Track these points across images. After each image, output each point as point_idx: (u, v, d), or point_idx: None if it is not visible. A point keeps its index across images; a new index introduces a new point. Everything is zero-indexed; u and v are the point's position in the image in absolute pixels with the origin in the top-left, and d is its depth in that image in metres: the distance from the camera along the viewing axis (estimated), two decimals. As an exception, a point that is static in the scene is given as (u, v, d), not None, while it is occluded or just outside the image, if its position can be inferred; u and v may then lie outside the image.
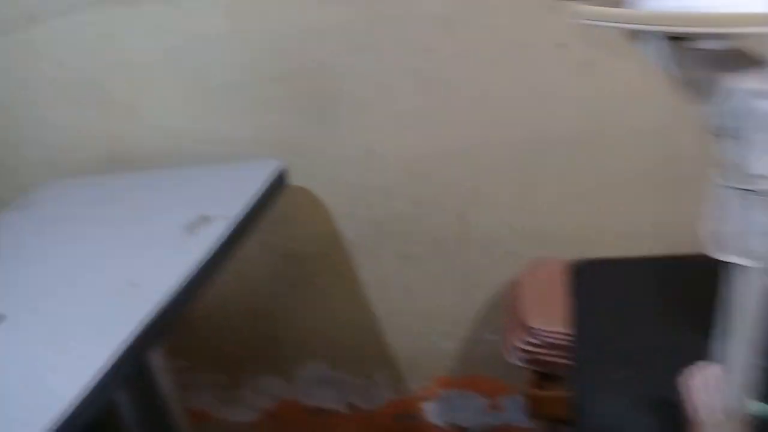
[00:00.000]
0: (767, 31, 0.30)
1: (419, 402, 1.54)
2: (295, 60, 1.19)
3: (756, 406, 0.64)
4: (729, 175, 0.33)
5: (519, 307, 1.16)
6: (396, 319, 1.46)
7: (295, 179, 1.27)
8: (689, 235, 0.72)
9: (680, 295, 0.80)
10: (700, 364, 0.63)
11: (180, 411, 1.07)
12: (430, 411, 1.55)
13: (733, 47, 0.35)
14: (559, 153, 1.17)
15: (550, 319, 1.00)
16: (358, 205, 1.33)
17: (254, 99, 1.24)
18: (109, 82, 1.28)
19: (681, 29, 0.35)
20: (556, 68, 1.10)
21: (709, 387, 0.61)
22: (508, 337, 1.16)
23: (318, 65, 1.19)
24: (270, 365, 1.57)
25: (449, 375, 1.49)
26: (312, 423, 1.62)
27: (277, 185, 1.22)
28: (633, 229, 1.14)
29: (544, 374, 1.05)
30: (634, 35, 0.42)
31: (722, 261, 0.49)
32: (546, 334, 1.03)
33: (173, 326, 0.96)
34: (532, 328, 1.09)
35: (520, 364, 1.15)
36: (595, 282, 0.88)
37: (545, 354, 1.05)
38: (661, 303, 0.79)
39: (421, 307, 1.43)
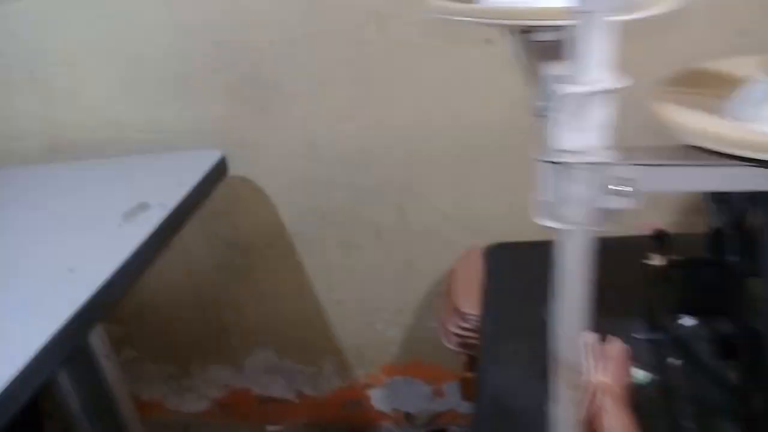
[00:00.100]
0: (568, 23, 0.35)
1: (366, 389, 1.59)
2: (234, 51, 1.22)
3: (639, 374, 0.71)
4: (545, 151, 0.38)
5: (452, 294, 1.21)
6: (341, 308, 1.50)
7: (237, 169, 1.31)
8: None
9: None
10: (582, 333, 0.69)
11: (125, 398, 1.10)
12: (377, 398, 1.60)
13: (558, 38, 0.40)
14: (491, 144, 1.23)
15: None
16: (300, 195, 1.37)
17: (195, 89, 1.27)
18: (50, 72, 1.30)
19: (511, 22, 0.40)
20: (485, 62, 1.15)
21: (586, 355, 0.66)
22: (444, 323, 1.22)
23: (257, 56, 1.22)
24: (219, 355, 1.61)
25: (394, 362, 1.54)
26: (262, 411, 1.66)
27: (218, 175, 1.26)
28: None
29: (477, 357, 1.10)
30: (500, 30, 0.47)
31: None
32: (476, 318, 1.09)
33: (110, 310, 0.99)
34: (463, 312, 1.15)
35: (455, 348, 1.21)
36: (505, 264, 0.93)
37: (476, 338, 1.10)
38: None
39: (365, 296, 1.47)
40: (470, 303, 1.11)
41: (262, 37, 1.20)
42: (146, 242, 1.02)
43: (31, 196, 1.22)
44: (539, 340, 0.68)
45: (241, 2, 1.17)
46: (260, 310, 1.52)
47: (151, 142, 1.32)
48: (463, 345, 1.18)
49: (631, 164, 0.36)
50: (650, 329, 0.74)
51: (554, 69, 0.36)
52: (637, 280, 0.76)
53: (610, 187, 0.37)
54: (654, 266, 0.71)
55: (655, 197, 0.68)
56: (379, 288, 1.45)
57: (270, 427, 1.66)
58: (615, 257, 0.85)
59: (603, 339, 0.67)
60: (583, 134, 0.36)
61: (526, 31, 0.42)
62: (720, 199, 0.62)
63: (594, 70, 0.34)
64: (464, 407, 1.50)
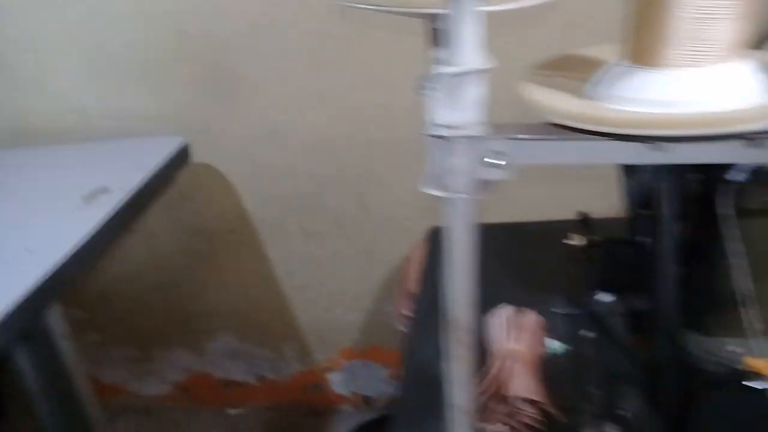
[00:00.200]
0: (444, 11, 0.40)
1: (325, 373, 1.64)
2: (197, 39, 1.26)
3: (555, 345, 0.76)
4: (428, 125, 0.43)
5: (406, 278, 1.26)
6: (301, 294, 1.55)
7: (200, 156, 1.35)
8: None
9: (514, 256, 0.92)
10: (501, 306, 0.75)
11: (83, 379, 1.13)
12: (336, 381, 1.65)
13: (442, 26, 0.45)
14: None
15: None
16: (262, 182, 1.41)
17: (159, 77, 1.31)
18: (14, 59, 1.33)
19: (407, 10, 0.45)
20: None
21: (500, 325, 0.72)
22: (398, 307, 1.27)
23: (220, 45, 1.27)
24: (181, 339, 1.65)
25: (353, 347, 1.59)
26: (223, 395, 1.70)
27: (180, 161, 1.30)
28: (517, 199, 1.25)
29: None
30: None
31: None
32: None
33: (67, 290, 1.03)
34: (414, 296, 1.20)
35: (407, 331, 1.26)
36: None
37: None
38: (496, 262, 0.91)
39: (325, 282, 1.52)
40: (421, 286, 1.16)
41: (225, 26, 1.24)
42: (104, 225, 1.05)
43: (-8, 180, 1.25)
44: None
45: (203, -9, 1.22)
46: (222, 296, 1.56)
47: (114, 129, 1.36)
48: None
49: (502, 138, 0.41)
50: (569, 304, 0.79)
51: (436, 53, 0.41)
52: (560, 260, 0.82)
53: (485, 159, 0.42)
54: (574, 246, 0.77)
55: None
56: (339, 274, 1.50)
57: (231, 411, 1.70)
58: (541, 239, 0.91)
59: (520, 312, 0.73)
60: (459, 111, 0.41)
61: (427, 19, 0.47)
62: (633, 182, 0.68)
63: (466, 53, 0.39)
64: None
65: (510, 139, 0.41)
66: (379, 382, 1.60)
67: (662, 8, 0.35)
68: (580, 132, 0.40)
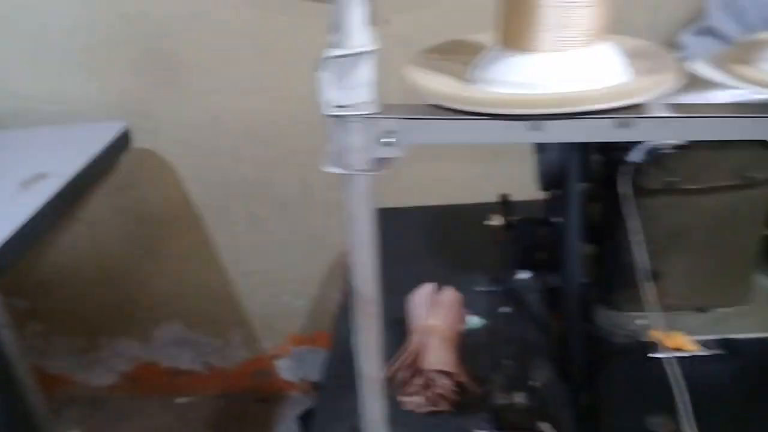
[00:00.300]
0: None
1: (273, 360, 1.67)
2: (138, 23, 1.27)
3: (473, 320, 0.80)
4: (324, 106, 0.46)
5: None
6: (248, 280, 1.57)
7: (143, 142, 1.36)
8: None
9: (440, 237, 0.96)
10: (425, 285, 0.78)
11: (27, 370, 1.14)
12: (284, 368, 1.68)
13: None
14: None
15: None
16: (205, 168, 1.43)
17: (99, 62, 1.32)
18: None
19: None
20: (385, 40, 1.22)
21: (420, 302, 0.76)
22: (343, 293, 1.30)
23: (161, 30, 1.28)
24: (127, 328, 1.66)
25: (300, 333, 1.62)
26: (170, 384, 1.71)
27: (121, 146, 1.31)
28: (452, 181, 1.30)
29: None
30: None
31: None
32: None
33: (4, 278, 1.03)
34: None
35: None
36: (382, 227, 1.02)
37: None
38: (423, 244, 0.95)
39: (271, 268, 1.55)
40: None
41: (165, 10, 1.25)
42: (41, 211, 1.06)
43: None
44: (395, 294, 0.77)
45: (142, -24, 1.23)
46: (167, 283, 1.57)
47: (55, 114, 1.36)
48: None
49: (391, 118, 0.44)
50: (489, 282, 0.84)
51: (328, 36, 0.44)
52: (483, 240, 0.86)
53: (379, 138, 0.45)
54: (494, 226, 0.81)
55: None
56: (285, 260, 1.53)
57: (179, 400, 1.72)
58: (465, 221, 0.95)
59: (440, 289, 0.77)
60: (350, 91, 0.44)
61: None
62: (543, 163, 0.72)
63: (353, 36, 0.42)
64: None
65: (399, 118, 0.45)
66: (326, 368, 1.64)
67: (527, -4, 0.39)
68: (463, 113, 0.43)
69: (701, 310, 0.75)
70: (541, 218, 0.79)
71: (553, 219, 0.76)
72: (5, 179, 1.15)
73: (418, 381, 0.72)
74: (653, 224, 0.69)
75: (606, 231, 0.73)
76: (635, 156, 0.64)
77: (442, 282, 0.79)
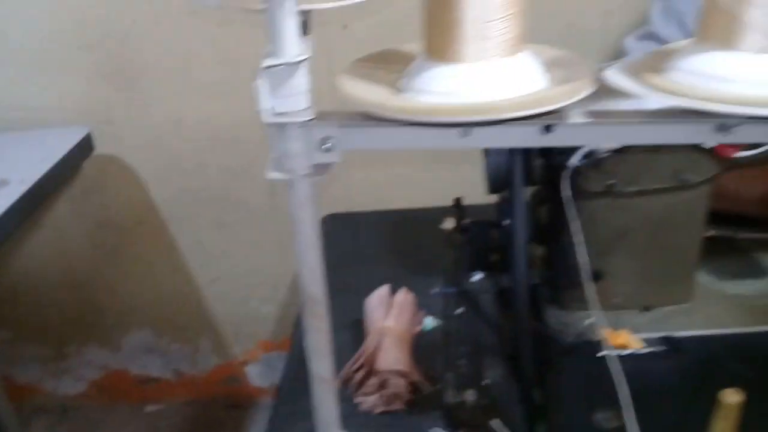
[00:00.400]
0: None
1: (243, 366, 1.68)
2: (98, 30, 1.29)
3: (428, 322, 0.83)
4: (263, 113, 0.48)
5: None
6: (216, 286, 1.59)
7: (106, 148, 1.37)
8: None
9: (397, 240, 0.99)
10: (381, 288, 0.81)
11: None
12: (254, 374, 1.69)
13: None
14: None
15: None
16: (171, 174, 1.44)
17: (60, 67, 1.33)
18: None
19: (241, 6, 0.50)
20: (342, 45, 1.25)
21: (376, 305, 0.78)
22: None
23: (122, 35, 1.29)
24: (95, 335, 1.66)
25: (270, 338, 1.64)
26: (140, 391, 1.72)
27: (83, 151, 1.33)
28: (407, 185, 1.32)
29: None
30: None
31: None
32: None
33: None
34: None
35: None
36: (337, 232, 1.05)
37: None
38: (380, 247, 0.98)
39: (240, 274, 1.56)
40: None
41: (125, 15, 1.27)
42: (4, 217, 1.07)
43: None
44: (356, 297, 0.80)
45: (103, -20, 1.24)
46: (135, 290, 1.58)
47: (16, 121, 1.37)
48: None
49: (326, 125, 0.47)
50: (443, 284, 0.86)
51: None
52: (437, 243, 0.89)
53: (317, 144, 0.48)
54: (447, 229, 0.84)
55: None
56: (253, 266, 1.55)
57: (149, 407, 1.73)
58: (421, 224, 0.98)
59: (395, 292, 0.80)
60: (285, 99, 0.46)
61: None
62: (490, 167, 0.75)
63: (286, 46, 0.45)
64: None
65: (333, 126, 0.47)
66: (295, 373, 1.65)
67: (450, 11, 0.42)
68: (396, 120, 0.46)
69: (646, 308, 0.78)
70: (493, 221, 0.82)
71: (504, 222, 0.79)
72: (-34, 186, 1.15)
73: (374, 381, 0.74)
74: (596, 226, 0.72)
75: (553, 233, 0.76)
76: (575, 160, 0.67)
77: (397, 284, 0.82)
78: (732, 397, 0.56)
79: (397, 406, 0.74)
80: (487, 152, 0.73)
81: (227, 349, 1.67)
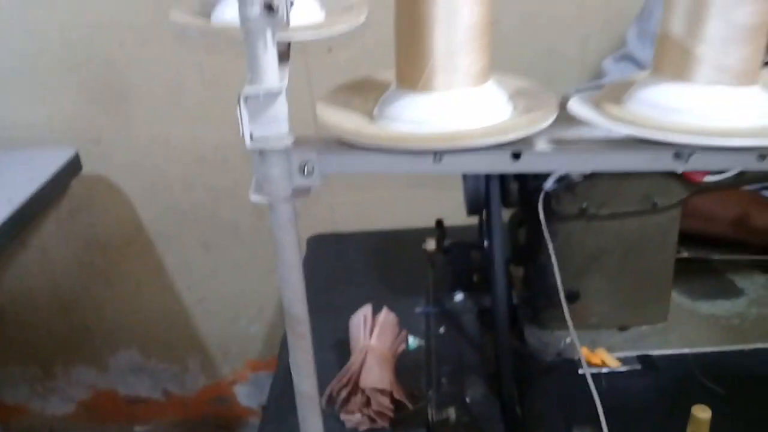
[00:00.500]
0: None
1: (231, 386, 1.70)
2: (85, 51, 1.32)
3: (411, 341, 0.85)
4: (245, 139, 0.51)
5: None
6: (204, 306, 1.61)
7: (93, 168, 1.40)
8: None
9: (380, 261, 1.02)
10: (364, 307, 0.83)
11: None
12: (242, 394, 1.71)
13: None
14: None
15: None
16: (158, 193, 1.47)
17: (48, 87, 1.35)
18: None
19: (225, 36, 0.53)
20: (327, 68, 1.28)
21: (359, 324, 0.81)
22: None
23: (108, 57, 1.32)
24: (83, 355, 1.68)
25: (258, 358, 1.66)
26: (128, 412, 1.73)
27: (71, 171, 1.35)
28: (399, 208, 1.35)
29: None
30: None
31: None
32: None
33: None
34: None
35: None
36: (322, 252, 1.07)
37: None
38: (364, 268, 1.00)
39: (228, 293, 1.58)
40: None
41: (112, 38, 1.30)
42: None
43: None
44: (340, 316, 0.82)
45: (90, 4, 1.27)
46: (122, 310, 1.60)
47: (4, 140, 1.39)
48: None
49: (304, 151, 0.49)
50: (426, 304, 0.89)
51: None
52: (420, 263, 0.92)
53: (296, 168, 0.51)
54: (428, 251, 0.86)
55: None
56: (240, 285, 1.57)
57: (138, 428, 1.74)
58: (403, 245, 1.01)
59: (379, 310, 0.82)
60: (267, 126, 0.49)
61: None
62: (469, 189, 0.78)
63: (264, 74, 0.47)
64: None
65: (312, 151, 0.50)
66: (283, 393, 1.67)
67: (419, 43, 0.45)
68: (367, 148, 0.49)
69: (622, 328, 0.81)
70: (474, 242, 0.85)
71: (485, 243, 0.82)
72: (-46, 206, 1.17)
73: (358, 399, 0.76)
74: (572, 247, 0.75)
75: (531, 254, 0.79)
76: (549, 184, 0.70)
77: (380, 304, 0.84)
78: (701, 413, 0.58)
79: (381, 423, 0.76)
80: (465, 176, 0.75)
81: (215, 368, 1.68)
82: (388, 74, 0.53)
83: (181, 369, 1.69)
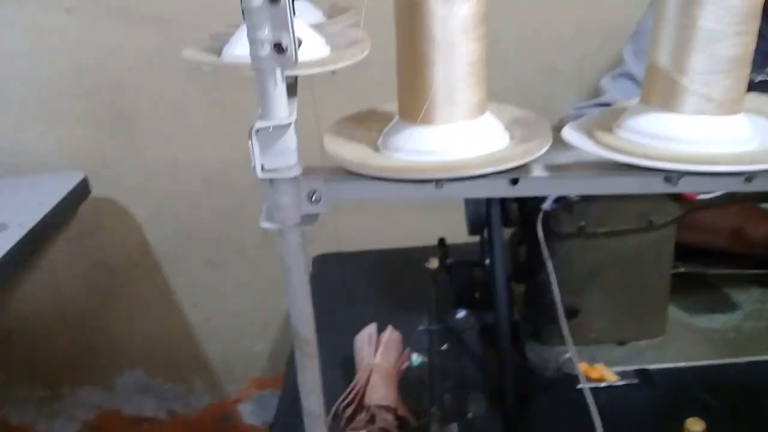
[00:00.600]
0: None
1: (236, 404, 1.72)
2: (94, 77, 1.35)
3: (415, 358, 0.88)
4: (256, 170, 0.54)
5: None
6: (209, 325, 1.63)
7: (101, 191, 1.43)
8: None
9: (384, 279, 1.04)
10: (369, 326, 0.86)
11: None
12: (247, 412, 1.73)
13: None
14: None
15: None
16: (164, 215, 1.50)
17: (57, 113, 1.39)
18: None
19: (238, 72, 0.56)
20: (333, 101, 1.31)
21: (364, 342, 0.83)
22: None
23: (116, 82, 1.36)
24: (88, 376, 1.70)
25: (262, 376, 1.68)
26: (134, 431, 1.75)
27: (80, 195, 1.38)
28: (402, 228, 1.38)
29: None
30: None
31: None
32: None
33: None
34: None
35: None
36: (327, 271, 1.10)
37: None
38: (373, 286, 1.03)
39: (232, 312, 1.61)
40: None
41: (120, 63, 1.33)
42: (2, 261, 1.12)
43: None
44: (344, 334, 0.85)
45: (98, 31, 1.31)
46: (128, 330, 1.62)
47: (15, 166, 1.42)
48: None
49: (313, 180, 0.52)
50: (430, 321, 0.91)
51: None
52: (423, 281, 0.94)
53: (305, 197, 0.53)
54: (431, 269, 0.89)
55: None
56: (245, 304, 1.59)
57: (143, 448, 1.76)
58: (406, 264, 1.03)
59: (383, 329, 0.85)
60: (275, 157, 0.52)
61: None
62: (470, 210, 0.81)
63: (274, 109, 0.50)
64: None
65: (319, 180, 0.53)
66: (289, 411, 1.69)
67: (420, 79, 0.47)
68: (371, 177, 0.51)
69: (621, 343, 0.83)
70: (476, 260, 0.88)
71: (486, 261, 0.85)
72: (-34, 230, 1.20)
73: (363, 416, 0.79)
74: (571, 265, 0.78)
75: (531, 272, 0.82)
76: (547, 204, 0.73)
77: (385, 322, 0.87)
78: (695, 425, 0.60)
79: (386, 440, 0.78)
80: (467, 198, 0.78)
81: (220, 387, 1.70)
82: (390, 106, 0.56)
83: (186, 388, 1.71)
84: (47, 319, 1.62)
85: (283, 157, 0.53)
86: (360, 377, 0.80)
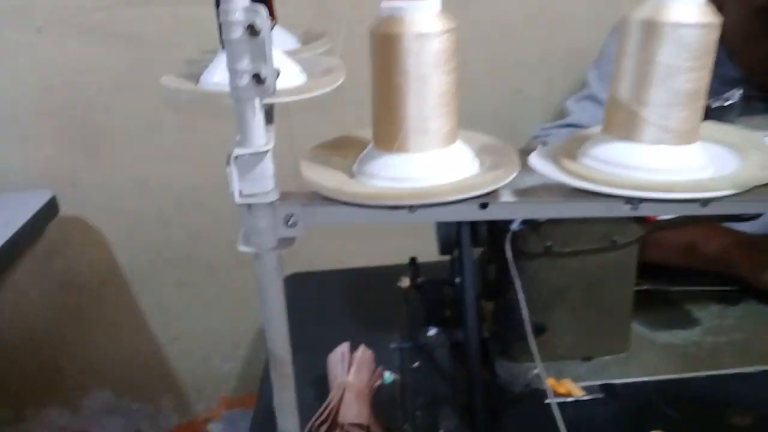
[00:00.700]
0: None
1: (205, 424, 1.71)
2: (63, 96, 1.35)
3: (387, 376, 0.89)
4: (233, 195, 0.55)
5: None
6: (178, 345, 1.63)
7: (70, 209, 1.42)
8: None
9: (356, 298, 1.06)
10: (342, 345, 0.88)
11: None
12: (216, 431, 1.72)
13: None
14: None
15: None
16: (134, 234, 1.50)
17: (26, 132, 1.38)
18: None
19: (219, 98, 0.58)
20: (309, 127, 1.33)
21: (337, 361, 0.85)
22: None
23: (86, 101, 1.36)
24: (55, 397, 1.68)
25: (231, 395, 1.68)
26: (100, 453, 1.74)
27: (48, 214, 1.37)
28: (374, 247, 1.40)
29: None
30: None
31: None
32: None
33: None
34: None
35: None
36: (299, 290, 1.11)
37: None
38: (345, 305, 1.05)
39: (202, 332, 1.61)
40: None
41: (90, 82, 1.34)
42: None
43: None
44: (317, 353, 0.86)
45: (68, 50, 1.31)
46: (95, 350, 1.61)
47: (-20, 185, 1.42)
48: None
49: (290, 205, 0.54)
50: (402, 339, 0.93)
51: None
52: (394, 300, 0.96)
53: (281, 221, 0.55)
54: (403, 287, 0.91)
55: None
56: (215, 323, 1.59)
57: (110, 469, 1.74)
58: (378, 282, 1.05)
59: (355, 348, 0.86)
60: (253, 183, 0.54)
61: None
62: (441, 229, 0.83)
63: (252, 136, 0.52)
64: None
65: (296, 205, 0.54)
66: (259, 429, 1.69)
67: (393, 110, 0.50)
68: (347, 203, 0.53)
69: (586, 358, 0.86)
70: (446, 279, 0.90)
71: (456, 279, 0.87)
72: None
73: (336, 435, 0.80)
74: (538, 284, 0.81)
75: (500, 290, 0.84)
76: (515, 225, 0.76)
77: (357, 340, 0.88)
78: (658, 438, 0.63)
79: (359, 457, 0.80)
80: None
81: (189, 407, 1.70)
82: (364, 133, 0.58)
83: (155, 409, 1.70)
84: (12, 340, 1.60)
85: (261, 183, 0.54)
86: (333, 395, 0.82)
